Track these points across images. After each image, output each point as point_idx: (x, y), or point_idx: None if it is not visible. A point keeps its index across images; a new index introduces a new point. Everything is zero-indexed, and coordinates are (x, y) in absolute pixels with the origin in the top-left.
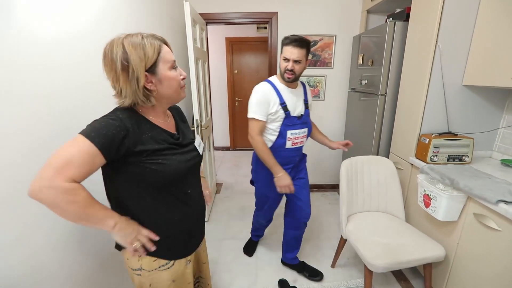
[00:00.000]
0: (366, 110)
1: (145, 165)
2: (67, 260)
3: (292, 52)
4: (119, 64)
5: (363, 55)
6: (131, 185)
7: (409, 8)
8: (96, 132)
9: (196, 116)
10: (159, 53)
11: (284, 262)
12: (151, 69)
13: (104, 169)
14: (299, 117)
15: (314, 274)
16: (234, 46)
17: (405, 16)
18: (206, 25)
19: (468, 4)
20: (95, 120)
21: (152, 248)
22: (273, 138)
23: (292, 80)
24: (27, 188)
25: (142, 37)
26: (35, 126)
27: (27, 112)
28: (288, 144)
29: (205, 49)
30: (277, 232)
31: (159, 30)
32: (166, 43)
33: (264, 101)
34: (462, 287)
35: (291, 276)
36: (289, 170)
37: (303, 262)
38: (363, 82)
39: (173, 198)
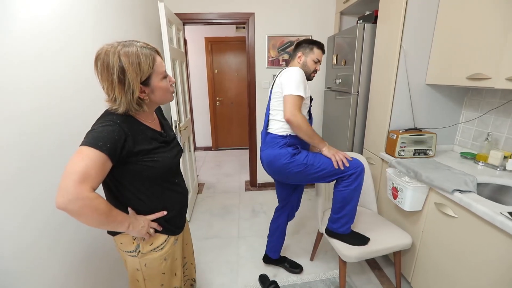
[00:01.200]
0: (341, 108)
1: (142, 163)
2: (60, 249)
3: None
4: (116, 76)
5: (337, 55)
6: (129, 181)
7: (377, 11)
8: (102, 141)
9: (174, 117)
10: (153, 66)
11: (267, 257)
12: (145, 82)
13: None
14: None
15: (294, 266)
16: (214, 46)
17: (373, 18)
18: (184, 25)
19: (428, 8)
20: (93, 130)
21: (160, 228)
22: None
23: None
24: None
25: (137, 49)
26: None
27: None
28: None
29: (182, 49)
30: (257, 229)
31: (132, 31)
32: (158, 53)
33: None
34: (427, 271)
35: (271, 271)
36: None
37: (284, 256)
38: (338, 81)
39: (164, 188)
